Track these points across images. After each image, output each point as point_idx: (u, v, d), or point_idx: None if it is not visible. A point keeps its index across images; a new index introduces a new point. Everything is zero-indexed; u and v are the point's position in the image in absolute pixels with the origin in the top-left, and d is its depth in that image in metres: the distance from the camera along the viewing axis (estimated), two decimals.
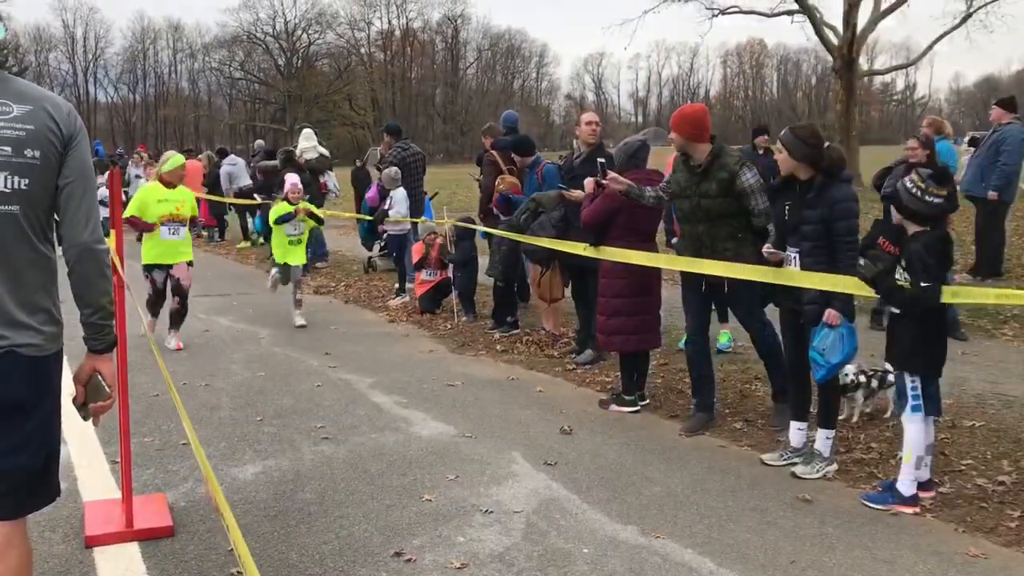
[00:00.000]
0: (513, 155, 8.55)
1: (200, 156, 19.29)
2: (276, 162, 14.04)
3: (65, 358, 2.67)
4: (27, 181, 2.38)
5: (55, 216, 2.52)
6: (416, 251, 9.95)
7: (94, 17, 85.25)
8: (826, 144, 4.66)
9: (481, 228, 9.01)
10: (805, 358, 4.82)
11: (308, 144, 14.42)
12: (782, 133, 4.76)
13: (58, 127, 2.44)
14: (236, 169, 16.67)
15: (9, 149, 2.35)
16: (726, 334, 7.47)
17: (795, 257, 4.71)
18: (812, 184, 4.61)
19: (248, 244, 16.30)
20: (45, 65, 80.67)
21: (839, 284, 4.41)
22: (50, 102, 2.46)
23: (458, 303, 9.29)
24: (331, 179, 14.62)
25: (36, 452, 2.47)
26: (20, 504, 2.50)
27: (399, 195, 10.46)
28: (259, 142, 20.22)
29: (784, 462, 4.86)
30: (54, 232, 2.53)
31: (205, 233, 17.97)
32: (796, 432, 4.92)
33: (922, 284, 4.04)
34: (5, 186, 2.34)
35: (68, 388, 2.63)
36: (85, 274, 2.52)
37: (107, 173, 4.59)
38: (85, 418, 2.70)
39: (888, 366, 5.29)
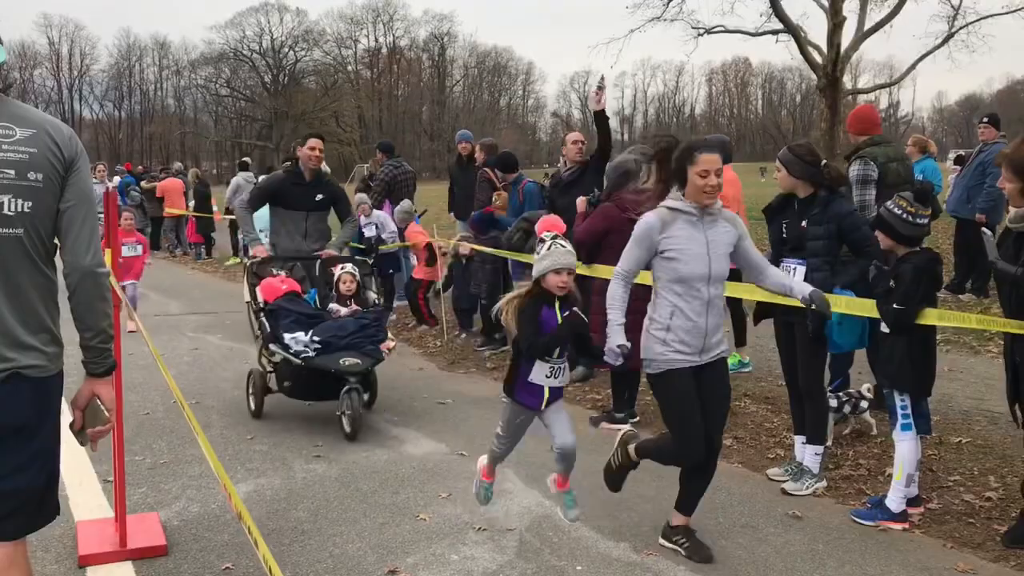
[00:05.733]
0: (497, 171, 8.60)
1: (187, 174, 19.32)
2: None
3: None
4: (30, 204, 2.39)
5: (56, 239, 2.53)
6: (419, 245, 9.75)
7: (80, 34, 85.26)
8: (823, 162, 4.73)
9: (484, 248, 8.88)
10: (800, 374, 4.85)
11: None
12: (780, 152, 4.83)
13: (60, 150, 2.45)
14: (247, 185, 16.29)
15: (13, 172, 2.36)
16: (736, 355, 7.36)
17: (795, 268, 4.72)
18: (814, 201, 4.66)
19: (236, 260, 16.21)
20: (30, 82, 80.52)
21: (865, 308, 4.43)
22: (51, 125, 2.48)
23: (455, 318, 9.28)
24: None
25: (38, 472, 2.48)
26: (22, 525, 2.50)
27: (380, 217, 10.22)
28: (245, 160, 20.13)
29: (789, 476, 4.89)
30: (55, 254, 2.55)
31: (191, 251, 17.96)
32: (804, 450, 4.93)
33: (895, 306, 4.11)
34: (9, 209, 2.35)
35: (65, 411, 2.62)
36: (86, 298, 2.52)
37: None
38: (83, 443, 2.68)
39: (863, 389, 5.35)
